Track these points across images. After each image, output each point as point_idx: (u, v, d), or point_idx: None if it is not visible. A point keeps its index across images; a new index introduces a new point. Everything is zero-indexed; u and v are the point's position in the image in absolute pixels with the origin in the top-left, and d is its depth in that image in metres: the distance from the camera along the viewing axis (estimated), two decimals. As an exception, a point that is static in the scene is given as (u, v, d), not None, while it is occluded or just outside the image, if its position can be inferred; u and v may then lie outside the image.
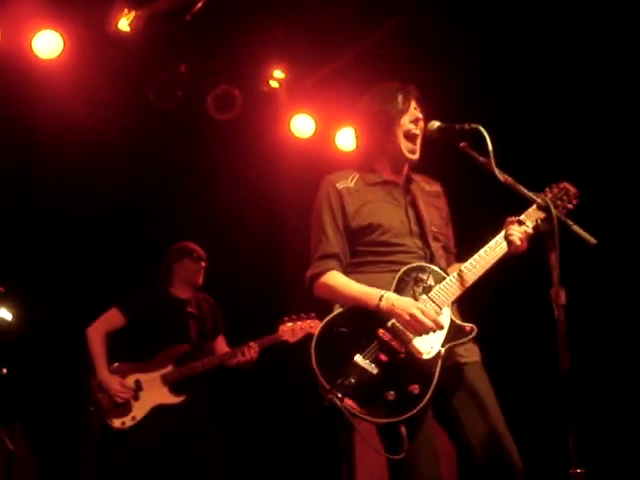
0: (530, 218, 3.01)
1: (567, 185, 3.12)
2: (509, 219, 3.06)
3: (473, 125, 2.89)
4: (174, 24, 5.74)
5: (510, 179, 2.85)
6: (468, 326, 2.94)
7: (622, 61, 5.36)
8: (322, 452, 5.97)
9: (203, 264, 5.23)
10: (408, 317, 2.84)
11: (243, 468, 5.92)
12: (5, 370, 5.00)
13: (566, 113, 5.65)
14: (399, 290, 2.95)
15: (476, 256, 3.01)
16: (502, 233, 3.03)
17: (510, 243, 2.98)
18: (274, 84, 6.30)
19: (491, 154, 2.80)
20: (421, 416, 2.84)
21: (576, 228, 2.81)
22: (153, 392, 4.88)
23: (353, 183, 3.17)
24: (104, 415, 4.82)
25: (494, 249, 3.00)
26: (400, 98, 3.14)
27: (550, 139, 5.69)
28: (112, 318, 5.06)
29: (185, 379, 4.90)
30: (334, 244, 3.09)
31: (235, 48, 6.01)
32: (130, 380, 4.89)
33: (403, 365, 2.84)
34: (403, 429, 2.77)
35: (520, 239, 2.98)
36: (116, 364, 4.96)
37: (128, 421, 4.81)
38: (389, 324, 2.87)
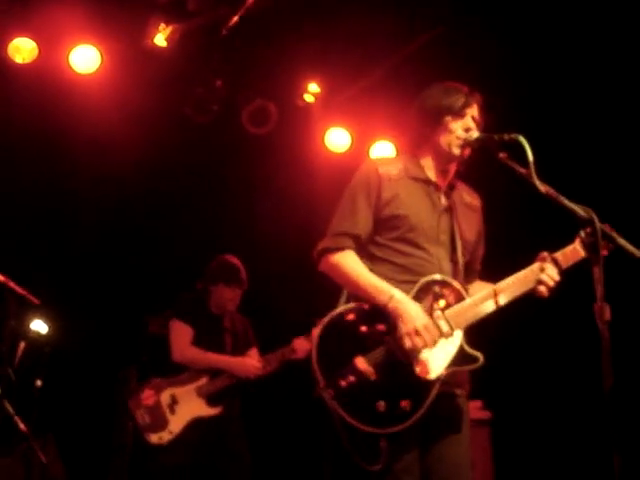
0: (565, 259, 2.90)
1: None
2: (542, 255, 2.94)
3: (513, 135, 2.79)
4: (210, 38, 5.75)
5: (552, 190, 2.76)
6: (476, 355, 2.79)
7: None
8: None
9: (239, 291, 5.14)
10: (411, 329, 2.71)
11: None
12: (40, 382, 5.00)
13: (611, 124, 5.52)
14: (417, 300, 2.80)
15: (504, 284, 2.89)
16: (534, 267, 2.90)
17: (541, 284, 2.86)
18: (309, 98, 6.29)
19: (531, 165, 2.70)
20: (408, 436, 2.72)
21: (621, 241, 2.72)
22: (190, 405, 4.86)
23: (396, 171, 3.00)
24: (142, 431, 4.79)
25: (523, 283, 2.88)
26: (459, 101, 2.98)
27: (593, 150, 5.57)
28: (183, 331, 4.98)
29: (220, 391, 4.88)
30: (360, 226, 2.92)
31: (270, 62, 6.01)
32: (165, 396, 4.87)
33: (401, 378, 2.70)
34: (384, 443, 2.69)
35: (550, 289, 2.87)
36: (151, 379, 4.94)
37: (166, 435, 4.77)
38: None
